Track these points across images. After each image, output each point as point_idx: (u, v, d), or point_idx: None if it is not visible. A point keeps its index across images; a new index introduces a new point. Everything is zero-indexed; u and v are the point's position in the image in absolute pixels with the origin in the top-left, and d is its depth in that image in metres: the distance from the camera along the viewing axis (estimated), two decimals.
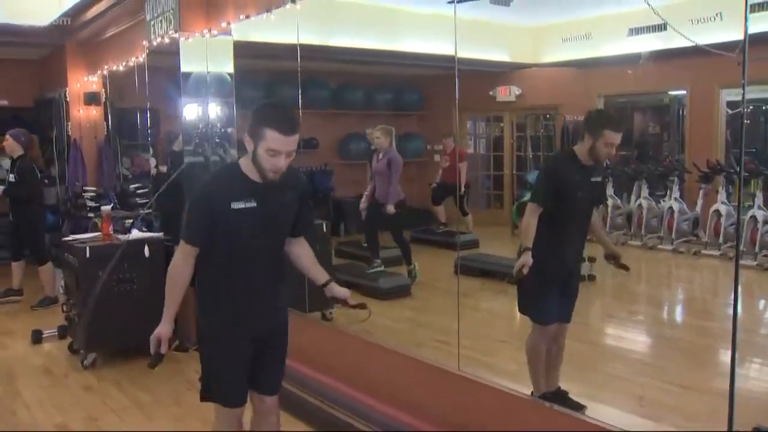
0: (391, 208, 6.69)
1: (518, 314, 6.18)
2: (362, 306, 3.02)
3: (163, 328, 2.78)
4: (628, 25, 7.72)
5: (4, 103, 9.61)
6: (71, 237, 5.51)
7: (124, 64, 7.30)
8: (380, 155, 6.85)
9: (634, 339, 5.51)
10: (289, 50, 5.83)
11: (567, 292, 3.67)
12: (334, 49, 7.65)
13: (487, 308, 6.25)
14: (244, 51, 5.78)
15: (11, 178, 6.88)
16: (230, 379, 2.84)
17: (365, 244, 7.23)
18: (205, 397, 2.90)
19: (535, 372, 3.67)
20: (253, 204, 2.66)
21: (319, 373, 4.33)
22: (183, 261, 2.72)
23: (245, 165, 2.68)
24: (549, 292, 3.57)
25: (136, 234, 5.50)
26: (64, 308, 5.54)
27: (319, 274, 2.99)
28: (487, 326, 5.61)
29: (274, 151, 2.55)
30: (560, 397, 3.60)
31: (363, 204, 7.11)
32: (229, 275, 2.75)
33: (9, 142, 6.87)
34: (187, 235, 2.73)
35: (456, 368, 3.57)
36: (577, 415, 3.10)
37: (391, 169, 6.72)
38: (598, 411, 3.37)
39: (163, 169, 6.50)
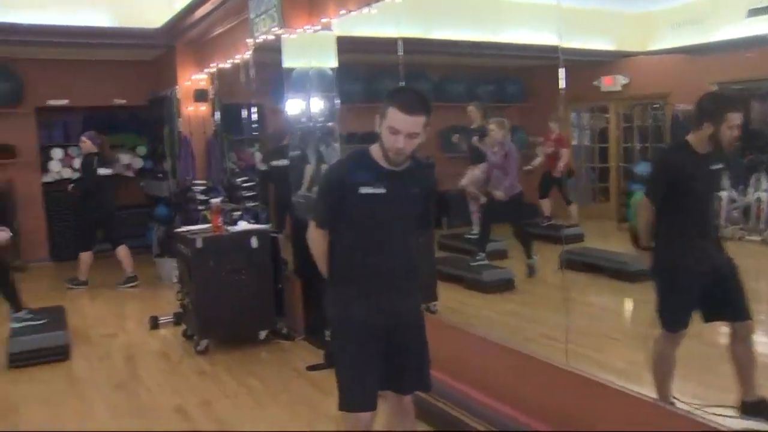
0: (499, 194, 6.70)
1: (627, 311, 6.03)
2: None
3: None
4: (749, 6, 7.31)
5: (122, 102, 10.12)
6: (184, 228, 5.75)
7: (230, 61, 7.54)
8: (495, 148, 6.88)
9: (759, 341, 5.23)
10: (390, 44, 5.86)
11: (720, 288, 3.29)
12: (436, 41, 7.63)
13: (594, 304, 6.08)
14: (344, 46, 5.86)
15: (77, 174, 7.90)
16: (356, 381, 2.72)
17: (471, 236, 7.23)
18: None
19: (659, 378, 3.38)
20: (382, 190, 2.64)
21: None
22: (318, 236, 2.79)
23: (375, 151, 2.68)
24: (682, 296, 3.29)
25: (243, 225, 5.69)
26: (179, 296, 5.78)
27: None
28: (594, 322, 5.46)
29: (394, 130, 2.54)
30: (763, 408, 3.25)
31: (464, 181, 7.15)
32: (358, 262, 2.72)
33: (86, 143, 7.84)
34: (315, 214, 2.79)
35: (565, 364, 3.49)
36: (699, 418, 2.95)
37: (508, 162, 6.73)
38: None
39: (281, 163, 6.71)
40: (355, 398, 2.71)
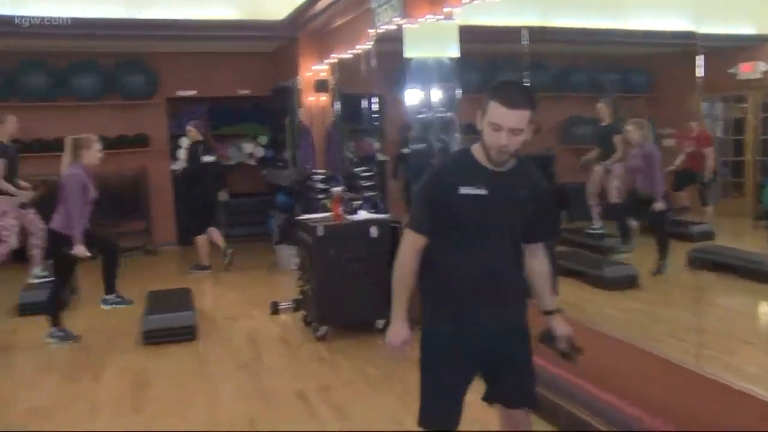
0: (660, 206, 6.44)
1: (763, 313, 5.66)
2: (573, 355, 2.72)
3: (399, 330, 2.60)
4: None
5: (246, 92, 10.47)
6: (305, 216, 5.87)
7: (350, 52, 7.63)
8: (634, 150, 6.63)
9: None
10: (510, 33, 5.73)
11: None
12: (558, 29, 7.41)
13: (725, 305, 5.75)
14: (464, 35, 5.80)
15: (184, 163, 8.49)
16: (436, 399, 2.59)
17: (592, 230, 7.02)
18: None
19: None
20: (483, 191, 2.45)
21: (549, 363, 4.23)
22: (411, 253, 2.55)
23: (477, 150, 2.52)
24: None
25: (363, 215, 5.75)
26: (299, 283, 5.92)
27: (548, 300, 2.74)
28: (725, 324, 5.16)
29: (496, 126, 2.37)
30: None
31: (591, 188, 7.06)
32: (453, 271, 2.54)
33: (192, 132, 8.30)
34: (414, 223, 2.58)
35: (696, 366, 3.31)
36: None
37: (649, 165, 6.48)
38: None
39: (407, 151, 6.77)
40: (434, 416, 2.61)
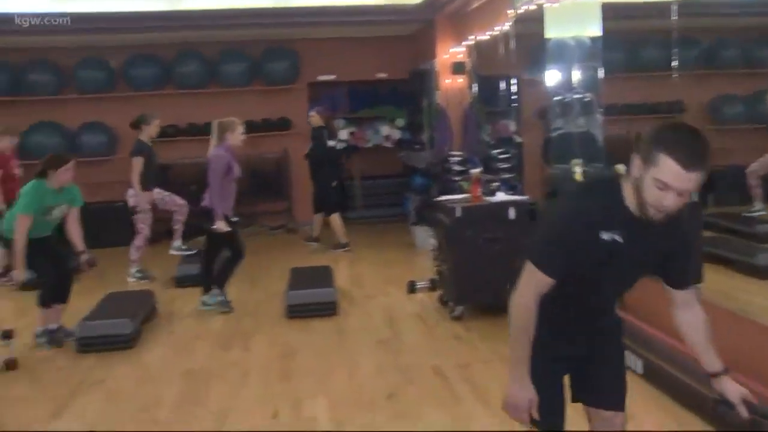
0: None
1: None
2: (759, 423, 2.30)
3: (522, 390, 2.25)
4: None
5: (384, 75, 10.66)
6: (443, 198, 5.94)
7: (488, 33, 7.59)
8: None
9: None
10: (655, 8, 5.48)
11: None
12: (712, 2, 7.03)
13: None
14: (608, 12, 5.63)
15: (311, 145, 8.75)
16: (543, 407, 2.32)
17: (751, 213, 6.68)
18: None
19: None
20: (620, 239, 2.16)
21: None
22: (535, 297, 2.22)
23: (628, 192, 2.15)
24: None
25: (501, 196, 5.75)
26: (435, 263, 6.01)
27: (711, 359, 2.31)
28: None
29: (664, 185, 2.01)
30: None
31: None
32: (563, 308, 2.31)
33: (315, 117, 8.58)
34: (544, 259, 2.22)
35: None
36: None
37: None
38: None
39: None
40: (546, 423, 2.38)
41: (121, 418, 4.04)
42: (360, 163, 10.96)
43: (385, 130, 10.72)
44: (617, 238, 2.15)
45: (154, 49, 9.99)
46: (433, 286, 6.40)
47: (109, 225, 8.97)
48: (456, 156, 8.28)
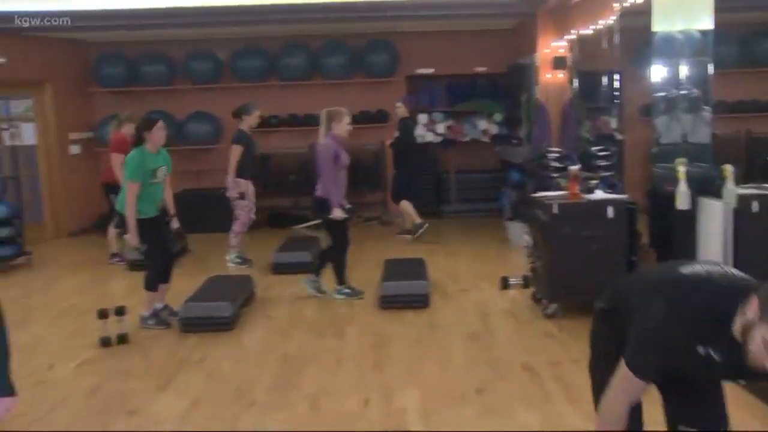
0: None
1: None
2: None
3: None
4: None
5: (482, 69, 10.60)
6: (540, 194, 5.87)
7: (591, 27, 7.41)
8: None
9: None
10: None
11: None
12: None
13: None
14: (721, 3, 5.42)
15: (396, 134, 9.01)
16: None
17: None
18: None
19: None
20: (716, 357, 2.03)
21: None
22: (627, 404, 2.19)
23: (738, 327, 1.99)
24: None
25: (599, 195, 5.63)
26: (529, 260, 5.96)
27: None
28: None
29: None
30: None
31: None
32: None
33: (402, 108, 8.89)
34: (641, 363, 2.13)
35: None
36: None
37: None
38: None
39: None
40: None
41: (219, 396, 4.23)
42: (456, 157, 10.94)
43: (482, 124, 10.65)
44: (714, 355, 2.03)
45: (260, 42, 10.30)
46: (526, 283, 6.35)
47: (212, 211, 9.35)
48: (554, 152, 8.14)
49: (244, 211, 7.60)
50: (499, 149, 10.45)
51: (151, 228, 5.43)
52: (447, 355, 4.83)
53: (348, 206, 6.20)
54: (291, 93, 10.45)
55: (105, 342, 5.07)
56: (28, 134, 9.96)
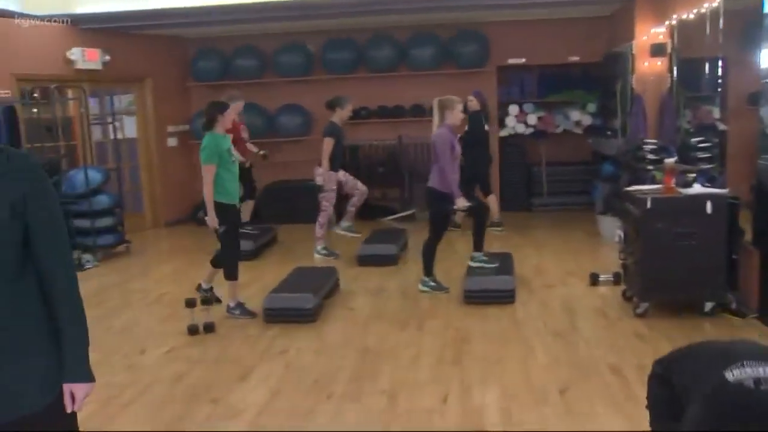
0: None
1: None
2: None
3: None
4: None
5: (576, 59, 10.28)
6: (633, 187, 5.62)
7: (694, 11, 7.03)
8: None
9: None
10: None
11: None
12: None
13: None
14: None
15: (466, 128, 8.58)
16: None
17: None
18: None
19: None
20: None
21: None
22: None
23: None
24: None
25: (698, 189, 5.33)
26: (621, 256, 5.71)
27: None
28: None
29: None
30: None
31: None
32: None
33: (474, 101, 8.57)
34: None
35: None
36: None
37: None
38: None
39: None
40: None
41: (298, 387, 4.26)
42: (547, 148, 10.66)
43: (575, 115, 10.33)
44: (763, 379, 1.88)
45: (349, 34, 10.34)
46: (616, 279, 6.11)
47: (302, 202, 9.50)
48: (650, 144, 7.79)
49: (330, 203, 7.65)
50: (593, 141, 10.11)
51: (232, 216, 5.56)
52: (530, 352, 4.69)
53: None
54: (379, 84, 10.45)
55: (192, 330, 5.21)
56: (131, 127, 10.40)
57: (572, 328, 5.12)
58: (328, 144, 7.46)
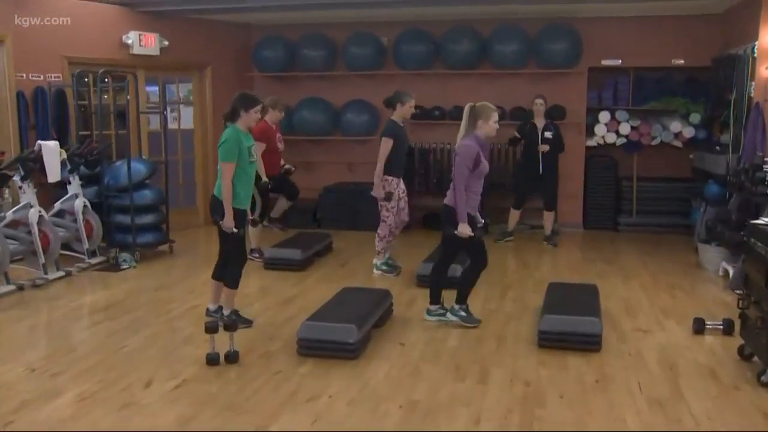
0: None
1: None
2: None
3: None
4: None
5: (680, 62, 9.09)
6: (763, 220, 4.49)
7: None
8: None
9: None
10: None
11: None
12: None
13: None
14: None
15: (548, 135, 8.30)
16: None
17: None
18: None
19: None
20: None
21: None
22: None
23: None
24: None
25: None
26: (740, 303, 4.59)
27: None
28: None
29: None
30: None
31: None
32: None
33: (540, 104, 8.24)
34: None
35: None
36: None
37: None
38: None
39: None
40: None
41: None
42: (639, 161, 9.48)
43: (675, 126, 9.09)
44: None
45: (426, 26, 9.45)
46: (727, 329, 5.03)
47: (364, 206, 8.67)
48: None
49: (391, 213, 6.76)
50: (695, 156, 8.89)
51: (240, 221, 4.99)
52: (620, 425, 3.68)
53: (481, 222, 5.24)
54: (456, 83, 9.51)
55: (212, 360, 4.41)
56: (188, 118, 9.81)
57: (674, 395, 4.03)
58: (385, 145, 6.56)
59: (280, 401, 3.91)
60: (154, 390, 4.06)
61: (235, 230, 4.89)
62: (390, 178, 6.63)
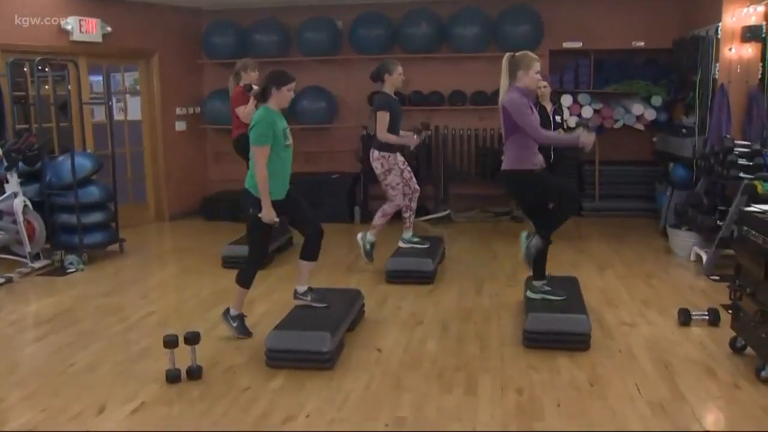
0: None
1: None
2: None
3: None
4: None
5: (641, 44, 8.95)
6: (756, 208, 4.29)
7: None
8: None
9: None
10: None
11: None
12: None
13: None
14: None
15: (558, 119, 7.63)
16: None
17: None
18: None
19: None
20: None
21: None
22: None
23: None
24: None
25: None
26: (732, 294, 4.39)
27: None
28: None
29: None
30: None
31: None
32: None
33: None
34: None
35: None
36: None
37: None
38: None
39: None
40: None
41: None
42: (601, 145, 9.29)
43: (637, 108, 8.95)
44: None
45: (382, 8, 9.09)
46: (713, 319, 4.86)
47: (323, 198, 8.49)
48: (742, 146, 6.49)
49: (398, 190, 6.28)
50: (658, 138, 8.77)
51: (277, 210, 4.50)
52: (622, 425, 3.44)
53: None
54: (415, 67, 9.14)
55: (172, 377, 4.01)
56: (136, 108, 9.26)
57: (675, 397, 3.78)
58: (382, 118, 6.09)
59: (251, 423, 3.54)
60: (108, 416, 3.63)
61: (277, 219, 4.44)
62: (387, 154, 6.21)
